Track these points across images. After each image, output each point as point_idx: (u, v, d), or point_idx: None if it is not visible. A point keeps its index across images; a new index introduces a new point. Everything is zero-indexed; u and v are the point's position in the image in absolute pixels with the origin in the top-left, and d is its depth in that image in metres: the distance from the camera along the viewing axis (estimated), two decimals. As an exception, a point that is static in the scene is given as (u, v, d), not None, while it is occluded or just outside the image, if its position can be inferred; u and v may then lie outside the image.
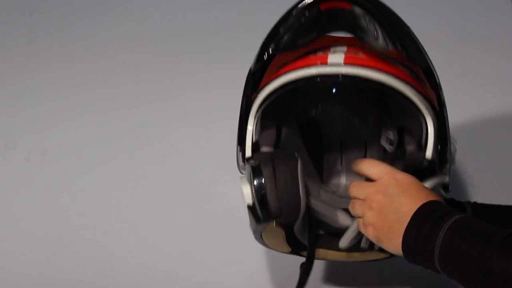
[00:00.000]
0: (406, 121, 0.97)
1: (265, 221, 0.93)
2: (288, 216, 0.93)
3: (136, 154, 1.35)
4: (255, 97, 0.96)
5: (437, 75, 0.94)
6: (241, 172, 1.00)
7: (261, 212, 0.92)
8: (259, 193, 0.92)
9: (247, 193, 0.93)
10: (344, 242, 0.96)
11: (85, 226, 1.25)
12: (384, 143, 1.05)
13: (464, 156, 1.29)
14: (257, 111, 0.97)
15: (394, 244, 0.85)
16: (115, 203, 1.28)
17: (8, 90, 1.50)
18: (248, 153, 0.97)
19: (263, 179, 0.92)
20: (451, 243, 0.78)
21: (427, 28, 1.51)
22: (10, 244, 1.24)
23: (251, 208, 0.93)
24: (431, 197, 0.84)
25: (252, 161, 0.95)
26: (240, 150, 0.99)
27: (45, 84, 1.50)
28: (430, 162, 0.92)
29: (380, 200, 0.86)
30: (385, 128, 1.04)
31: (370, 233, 0.88)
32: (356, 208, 0.90)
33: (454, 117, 1.32)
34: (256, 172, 0.92)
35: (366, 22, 0.91)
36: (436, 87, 0.94)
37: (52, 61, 1.54)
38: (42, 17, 1.63)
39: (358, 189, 0.90)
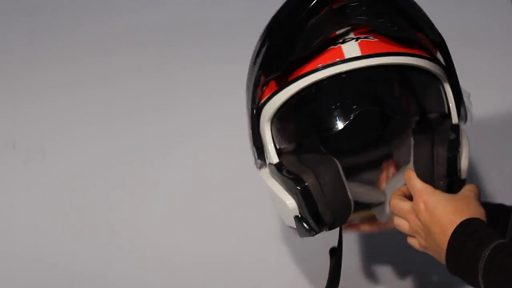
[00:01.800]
0: (428, 95, 0.95)
1: (320, 231, 0.91)
2: (341, 220, 0.92)
3: (136, 154, 1.35)
4: (267, 100, 0.91)
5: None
6: (258, 168, 0.97)
7: (314, 225, 0.90)
8: (310, 208, 0.89)
9: (290, 204, 0.90)
10: (383, 216, 0.96)
11: (85, 226, 1.25)
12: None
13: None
14: (274, 115, 0.91)
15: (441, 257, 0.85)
16: (115, 203, 1.27)
17: (7, 89, 1.50)
18: (275, 159, 0.92)
19: (311, 192, 0.89)
20: (495, 261, 0.77)
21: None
22: (9, 244, 1.24)
23: (299, 219, 0.91)
24: (459, 215, 0.84)
25: (285, 172, 0.91)
26: (254, 150, 0.95)
27: (44, 84, 1.49)
28: (457, 126, 0.95)
29: (417, 222, 0.88)
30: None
31: (416, 244, 0.90)
32: (399, 220, 0.91)
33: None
34: (299, 184, 0.89)
35: (380, 8, 0.89)
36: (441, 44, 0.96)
37: (52, 61, 1.54)
38: (42, 17, 1.63)
39: (397, 205, 0.91)
